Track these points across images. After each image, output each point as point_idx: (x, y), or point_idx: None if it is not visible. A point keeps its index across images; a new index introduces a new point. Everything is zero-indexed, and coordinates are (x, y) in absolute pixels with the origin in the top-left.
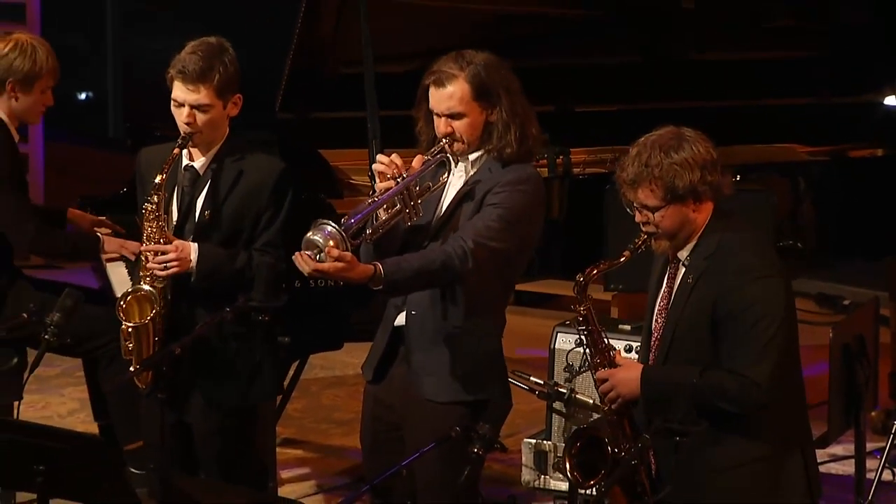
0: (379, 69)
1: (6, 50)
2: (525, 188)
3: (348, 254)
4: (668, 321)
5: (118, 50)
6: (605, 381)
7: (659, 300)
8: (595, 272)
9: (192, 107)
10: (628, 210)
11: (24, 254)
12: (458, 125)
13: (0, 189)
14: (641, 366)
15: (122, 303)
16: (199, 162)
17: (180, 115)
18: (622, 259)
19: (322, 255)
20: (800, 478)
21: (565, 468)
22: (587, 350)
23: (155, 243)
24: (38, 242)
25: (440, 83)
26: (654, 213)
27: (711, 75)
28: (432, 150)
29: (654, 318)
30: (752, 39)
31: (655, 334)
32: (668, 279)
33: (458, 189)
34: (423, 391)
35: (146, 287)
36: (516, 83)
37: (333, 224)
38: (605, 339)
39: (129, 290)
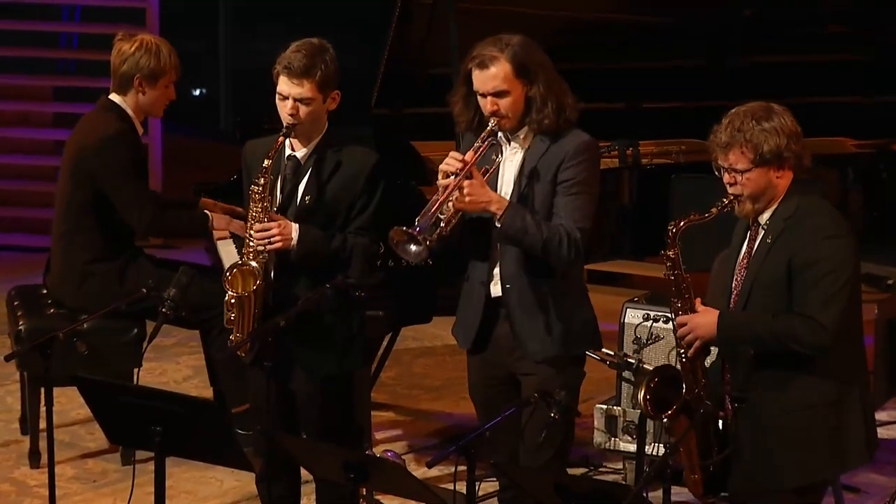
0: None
1: (132, 49)
2: (588, 156)
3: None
4: (748, 276)
5: (229, 51)
6: (684, 325)
7: (740, 260)
8: (684, 223)
9: (295, 100)
10: (717, 173)
11: (143, 234)
12: (502, 102)
13: (124, 178)
14: (718, 311)
15: (228, 274)
16: (301, 152)
17: (284, 108)
18: (709, 215)
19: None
20: (859, 426)
21: (641, 398)
22: (672, 288)
23: (259, 222)
24: (154, 224)
25: (483, 65)
26: (742, 175)
27: (768, 76)
28: (482, 135)
29: (735, 277)
30: (806, 44)
31: (735, 291)
32: (748, 241)
33: (515, 168)
34: (531, 352)
35: (252, 263)
36: (548, 61)
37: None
38: (687, 284)
39: (237, 263)
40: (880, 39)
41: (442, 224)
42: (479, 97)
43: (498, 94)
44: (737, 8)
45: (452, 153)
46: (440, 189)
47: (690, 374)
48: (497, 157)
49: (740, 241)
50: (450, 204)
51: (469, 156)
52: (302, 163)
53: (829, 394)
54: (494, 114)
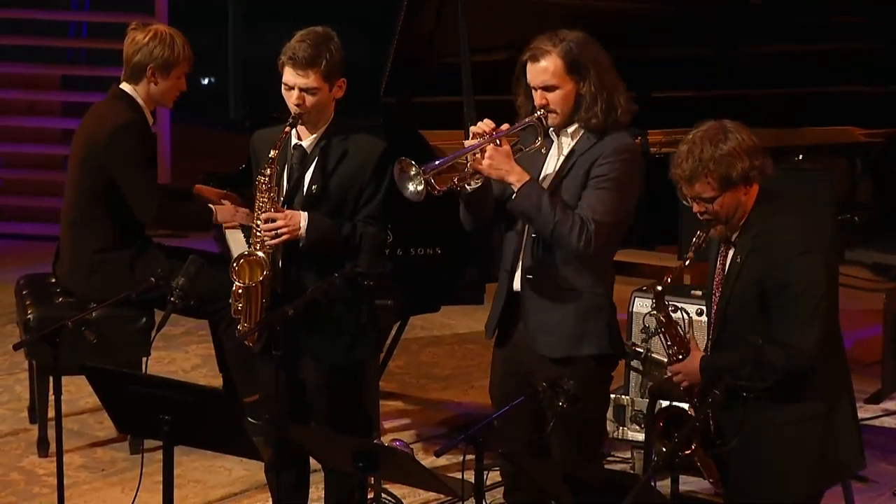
0: (474, 59)
1: (146, 39)
2: (626, 157)
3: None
4: (721, 298)
5: (238, 40)
6: (677, 373)
7: (714, 282)
8: (668, 280)
9: (301, 90)
10: (684, 202)
11: (149, 225)
12: (552, 97)
13: (134, 168)
14: (700, 355)
15: (235, 265)
16: (307, 141)
17: (290, 98)
18: (688, 261)
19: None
20: (852, 433)
21: (654, 445)
22: (665, 341)
23: (266, 213)
24: (160, 216)
25: (535, 59)
26: (711, 204)
27: (776, 65)
28: (527, 118)
29: (713, 298)
30: (813, 33)
31: (713, 317)
32: (720, 259)
33: (559, 162)
34: (541, 348)
35: (259, 253)
36: (607, 59)
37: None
38: (681, 333)
39: (244, 253)
40: (888, 28)
41: (455, 180)
42: (532, 89)
43: (547, 89)
44: None
45: (487, 119)
46: (466, 146)
47: (690, 391)
48: (537, 141)
49: (714, 259)
50: (469, 164)
51: (504, 126)
52: (308, 152)
53: (819, 406)
54: (544, 107)
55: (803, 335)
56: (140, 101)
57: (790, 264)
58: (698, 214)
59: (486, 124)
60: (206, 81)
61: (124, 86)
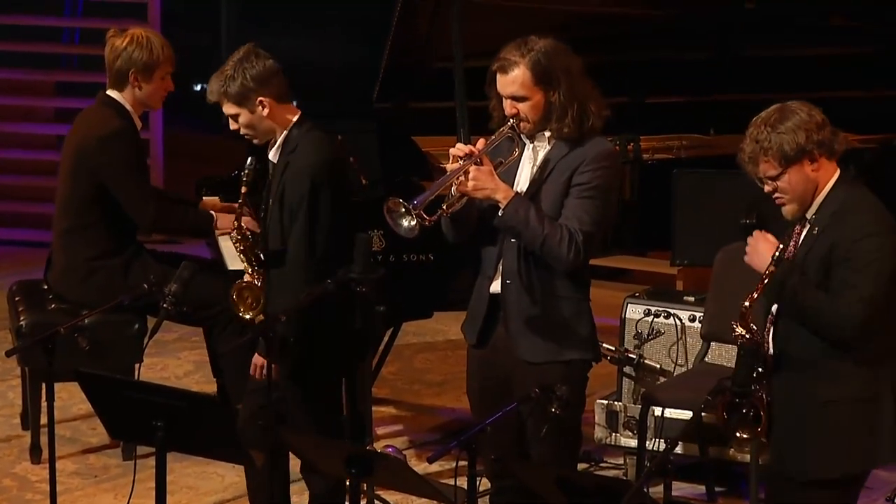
0: (469, 64)
1: (124, 44)
2: (608, 164)
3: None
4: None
5: (232, 45)
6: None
7: (786, 256)
8: (756, 295)
9: (231, 117)
10: (758, 183)
11: (147, 231)
12: (522, 107)
13: (126, 174)
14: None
15: (234, 296)
16: (272, 156)
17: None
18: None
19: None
20: (892, 422)
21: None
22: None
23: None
24: (158, 221)
25: (504, 70)
26: (776, 181)
27: (770, 70)
28: (501, 129)
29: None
30: (808, 37)
31: None
32: (794, 238)
33: (533, 167)
34: (522, 353)
35: (246, 277)
36: (577, 65)
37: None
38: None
39: (239, 283)
40: (884, 32)
41: (443, 206)
42: (502, 98)
43: (517, 99)
44: (740, 0)
45: (461, 144)
46: (448, 171)
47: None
48: (515, 151)
49: (788, 237)
50: (454, 188)
51: (481, 143)
52: (273, 167)
53: (863, 388)
54: (514, 116)
55: (850, 309)
56: (127, 106)
57: (859, 243)
58: (772, 196)
59: (462, 148)
60: (198, 87)
61: (111, 92)
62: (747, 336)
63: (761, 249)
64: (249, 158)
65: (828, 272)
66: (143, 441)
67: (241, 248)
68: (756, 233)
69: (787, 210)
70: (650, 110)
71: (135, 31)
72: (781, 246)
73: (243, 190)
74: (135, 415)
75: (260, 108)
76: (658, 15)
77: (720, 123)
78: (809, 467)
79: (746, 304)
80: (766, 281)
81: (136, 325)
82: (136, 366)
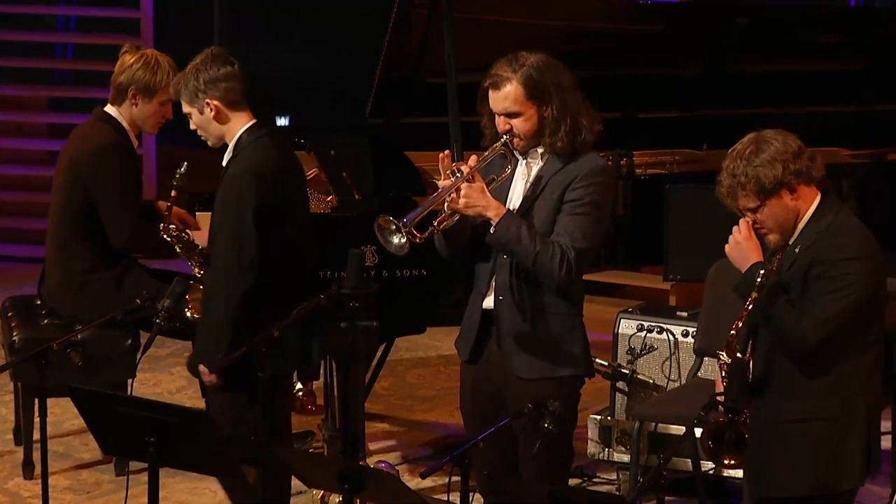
0: (462, 79)
1: (132, 60)
2: (601, 180)
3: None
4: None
5: None
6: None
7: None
8: (741, 323)
9: (187, 115)
10: (738, 214)
11: (120, 249)
12: (515, 123)
13: (112, 190)
14: (760, 260)
15: (189, 301)
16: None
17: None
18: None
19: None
20: (860, 446)
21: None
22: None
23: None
24: (131, 240)
25: (496, 86)
26: (757, 213)
27: (762, 85)
28: (494, 146)
29: None
30: (801, 53)
31: None
32: (776, 261)
33: (526, 183)
34: (514, 369)
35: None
36: (569, 79)
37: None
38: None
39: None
40: (876, 47)
41: (434, 223)
42: (495, 114)
43: (510, 115)
44: (732, 15)
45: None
46: (439, 188)
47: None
48: (508, 168)
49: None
50: (446, 205)
51: (473, 160)
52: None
53: (831, 409)
54: (507, 133)
55: (814, 327)
56: (124, 123)
57: (838, 264)
58: (753, 227)
59: (454, 164)
60: None
61: (109, 108)
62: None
63: (745, 249)
64: (184, 163)
65: (805, 288)
66: (135, 456)
67: (180, 249)
68: (743, 224)
69: (770, 240)
70: (643, 125)
71: (148, 52)
72: (764, 271)
73: (173, 194)
74: (127, 430)
75: (208, 110)
76: (650, 30)
77: (713, 138)
78: (772, 486)
79: (732, 332)
80: (749, 307)
81: (129, 341)
82: (129, 381)
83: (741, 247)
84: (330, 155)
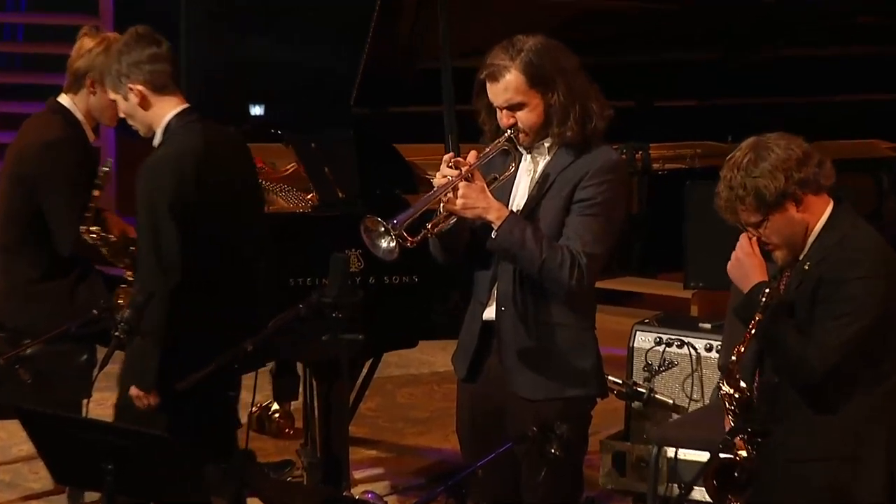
0: (458, 64)
1: (92, 45)
2: (612, 177)
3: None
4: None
5: (191, 46)
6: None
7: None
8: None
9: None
10: (741, 228)
11: (64, 254)
12: (520, 115)
13: (58, 188)
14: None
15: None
16: None
17: None
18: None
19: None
20: (876, 488)
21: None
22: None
23: None
24: (76, 245)
25: (494, 77)
26: (760, 228)
27: (790, 72)
28: (496, 141)
29: None
30: (832, 36)
31: None
32: (785, 277)
33: (531, 180)
34: (518, 388)
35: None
36: (572, 61)
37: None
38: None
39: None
40: None
41: (428, 225)
42: (496, 108)
43: (513, 107)
44: None
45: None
46: (434, 186)
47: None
48: (512, 166)
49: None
50: (441, 206)
51: (472, 156)
52: None
53: (846, 447)
54: (512, 128)
55: (820, 356)
56: (79, 114)
57: (845, 285)
58: (760, 243)
59: (453, 161)
60: None
61: (62, 98)
62: (736, 395)
63: (746, 267)
64: (109, 160)
65: (813, 307)
66: (91, 486)
67: (106, 251)
68: (744, 239)
69: (778, 256)
70: (660, 115)
71: (111, 35)
72: (768, 291)
73: (95, 193)
74: (82, 456)
75: (132, 96)
76: (666, 10)
77: (738, 129)
78: None
79: (733, 358)
80: (752, 331)
81: (85, 356)
82: (85, 401)
83: (742, 264)
84: (310, 148)
